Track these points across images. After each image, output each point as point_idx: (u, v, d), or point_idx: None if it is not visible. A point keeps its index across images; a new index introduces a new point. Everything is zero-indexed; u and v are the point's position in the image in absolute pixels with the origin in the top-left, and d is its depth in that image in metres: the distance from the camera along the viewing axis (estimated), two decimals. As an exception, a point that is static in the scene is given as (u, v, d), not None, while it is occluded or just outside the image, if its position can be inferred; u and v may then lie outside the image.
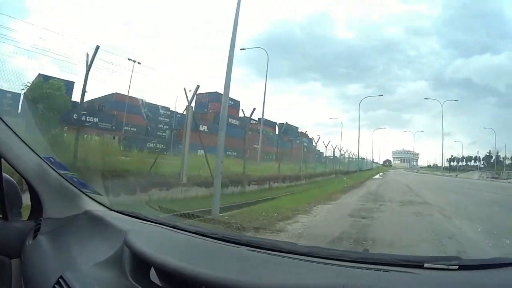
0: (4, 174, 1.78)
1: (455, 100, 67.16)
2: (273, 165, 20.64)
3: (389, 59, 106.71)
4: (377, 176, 36.74)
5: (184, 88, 13.04)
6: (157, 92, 39.77)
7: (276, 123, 44.76)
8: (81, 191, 2.07)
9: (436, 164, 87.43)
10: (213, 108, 36.23)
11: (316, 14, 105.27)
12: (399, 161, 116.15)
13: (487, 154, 72.01)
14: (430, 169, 78.66)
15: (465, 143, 77.69)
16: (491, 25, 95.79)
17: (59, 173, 1.97)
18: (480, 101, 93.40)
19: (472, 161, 76.94)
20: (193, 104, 12.98)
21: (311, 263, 1.35)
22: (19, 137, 1.81)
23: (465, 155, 74.31)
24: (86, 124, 17.18)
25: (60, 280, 1.39)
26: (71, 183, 2.02)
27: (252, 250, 1.50)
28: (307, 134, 47.64)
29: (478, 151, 74.38)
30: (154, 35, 75.66)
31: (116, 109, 21.95)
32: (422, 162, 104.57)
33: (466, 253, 4.60)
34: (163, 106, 29.30)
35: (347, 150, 37.61)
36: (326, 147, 31.17)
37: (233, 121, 38.28)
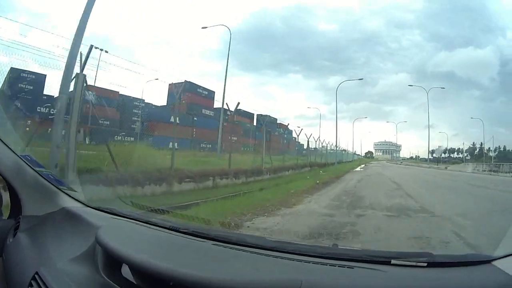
0: None
1: (442, 88, 63.47)
2: (236, 157, 16.86)
3: (371, 51, 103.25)
4: (358, 169, 32.69)
5: (80, 52, 8.77)
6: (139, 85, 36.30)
7: (253, 114, 42.32)
8: (58, 188, 2.06)
9: (418, 156, 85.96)
10: (186, 99, 32.98)
11: (297, 5, 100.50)
12: (381, 153, 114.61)
13: (471, 145, 70.78)
14: (413, 161, 76.02)
15: (448, 135, 75.65)
16: (475, 19, 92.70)
17: (36, 171, 1.95)
18: (463, 94, 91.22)
19: (455, 153, 75.65)
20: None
21: (275, 258, 1.35)
22: None
23: (448, 147, 71.97)
24: (50, 116, 15.81)
25: (36, 276, 1.41)
26: (48, 181, 2.01)
27: (218, 245, 1.52)
28: (287, 126, 45.67)
29: (463, 143, 72.87)
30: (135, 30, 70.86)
31: (89, 102, 19.76)
32: (404, 153, 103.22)
33: None
34: (137, 98, 26.71)
35: (324, 140, 33.68)
36: (298, 135, 27.87)
37: (208, 112, 34.63)
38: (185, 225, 1.91)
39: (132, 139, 25.20)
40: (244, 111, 36.56)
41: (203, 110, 33.76)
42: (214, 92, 36.51)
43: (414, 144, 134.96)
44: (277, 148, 36.07)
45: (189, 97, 32.42)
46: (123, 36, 66.55)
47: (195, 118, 28.96)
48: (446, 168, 42.53)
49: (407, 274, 1.19)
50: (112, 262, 1.37)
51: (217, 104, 34.76)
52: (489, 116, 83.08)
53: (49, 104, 17.77)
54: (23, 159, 1.90)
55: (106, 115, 21.90)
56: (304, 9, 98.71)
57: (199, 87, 33.59)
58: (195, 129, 27.36)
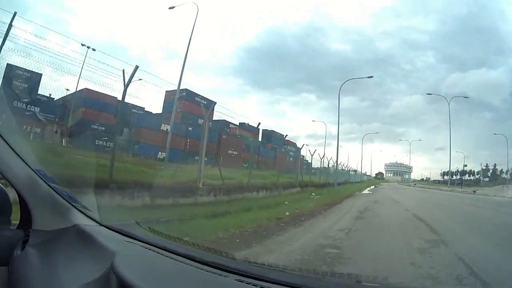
0: None
1: (465, 97, 56.80)
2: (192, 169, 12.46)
3: (384, 72, 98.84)
4: (365, 191, 27.40)
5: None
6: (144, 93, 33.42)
7: (259, 129, 37.95)
8: (71, 204, 1.90)
9: (429, 178, 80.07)
10: (182, 107, 29.07)
11: (310, 24, 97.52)
12: (391, 174, 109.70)
13: (484, 167, 65.39)
14: (426, 183, 70.07)
15: (460, 157, 69.41)
16: (488, 40, 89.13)
17: (50, 186, 1.81)
18: (475, 116, 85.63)
19: (467, 175, 69.95)
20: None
21: None
22: (10, 147, 1.65)
23: (459, 169, 66.14)
24: (27, 113, 15.34)
25: None
26: (61, 196, 1.86)
27: (240, 281, 1.39)
28: (295, 144, 41.37)
29: (481, 163, 66.82)
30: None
31: (85, 105, 19.15)
32: (415, 175, 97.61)
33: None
34: (136, 105, 24.56)
35: (325, 156, 28.48)
36: (284, 139, 22.88)
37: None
38: (203, 253, 1.79)
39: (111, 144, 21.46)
40: (248, 125, 32.52)
41: (200, 120, 29.59)
42: (215, 102, 32.54)
43: (424, 166, 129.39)
44: (282, 165, 31.96)
45: (186, 106, 28.73)
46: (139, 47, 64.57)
47: (189, 128, 24.65)
48: (474, 192, 33.68)
49: None
50: None
51: (217, 115, 30.77)
52: (498, 138, 77.96)
53: (26, 100, 16.03)
54: (37, 173, 1.74)
55: (99, 120, 20.19)
56: (317, 28, 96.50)
57: (198, 95, 30.02)
58: (189, 140, 23.99)
